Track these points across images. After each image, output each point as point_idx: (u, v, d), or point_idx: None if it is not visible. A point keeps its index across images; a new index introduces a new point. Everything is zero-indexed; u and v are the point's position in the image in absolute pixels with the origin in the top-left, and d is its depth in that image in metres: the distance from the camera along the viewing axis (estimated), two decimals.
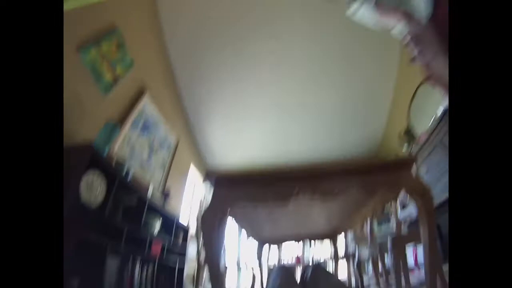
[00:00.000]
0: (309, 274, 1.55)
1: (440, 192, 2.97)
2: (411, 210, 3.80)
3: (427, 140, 3.37)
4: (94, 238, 2.36)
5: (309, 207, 1.96)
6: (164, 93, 4.73)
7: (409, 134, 4.59)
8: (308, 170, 1.35)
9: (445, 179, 2.91)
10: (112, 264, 2.63)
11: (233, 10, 4.32)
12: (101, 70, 2.97)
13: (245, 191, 1.33)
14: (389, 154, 5.74)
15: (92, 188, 2.38)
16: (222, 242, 1.34)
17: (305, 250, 5.32)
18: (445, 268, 2.55)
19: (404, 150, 4.62)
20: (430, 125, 3.41)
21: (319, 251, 5.32)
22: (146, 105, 3.99)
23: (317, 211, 2.18)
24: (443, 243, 3.16)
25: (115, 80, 3.22)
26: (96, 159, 2.44)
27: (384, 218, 4.31)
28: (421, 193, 1.32)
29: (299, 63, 5.02)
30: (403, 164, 1.39)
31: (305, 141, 6.62)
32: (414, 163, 1.46)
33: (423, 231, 1.32)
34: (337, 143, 6.63)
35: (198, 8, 4.27)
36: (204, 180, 1.44)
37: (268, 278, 1.83)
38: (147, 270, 3.12)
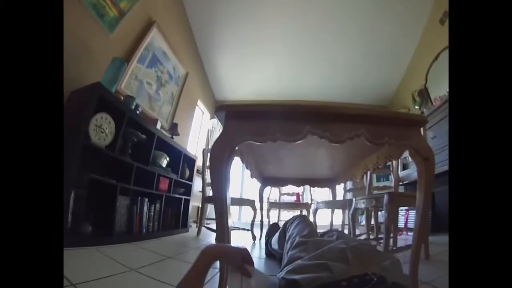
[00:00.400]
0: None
1: (441, 161, 3.02)
2: (410, 171, 3.88)
3: (440, 106, 3.33)
4: (105, 179, 2.48)
5: (315, 150, 1.99)
6: (173, 25, 4.59)
7: (422, 95, 4.53)
8: (321, 110, 1.32)
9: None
10: (122, 203, 2.79)
11: None
12: (104, 7, 2.90)
13: (255, 127, 1.30)
14: (399, 110, 5.69)
15: (102, 128, 2.46)
16: (229, 176, 1.37)
17: (305, 192, 5.48)
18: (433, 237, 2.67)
19: (415, 107, 4.59)
20: (447, 93, 3.34)
21: (318, 195, 5.50)
22: (154, 38, 3.92)
23: (321, 155, 2.23)
24: (434, 211, 3.28)
25: (121, 15, 3.14)
26: (105, 97, 2.48)
27: (384, 173, 4.41)
28: (425, 157, 1.32)
29: (321, 5, 4.82)
30: (415, 122, 1.37)
31: (318, 81, 6.52)
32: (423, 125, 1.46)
33: (419, 196, 1.35)
34: (351, 88, 6.55)
35: None
36: (215, 112, 1.46)
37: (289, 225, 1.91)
38: (154, 206, 3.30)
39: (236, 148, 1.32)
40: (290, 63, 6.14)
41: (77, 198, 2.27)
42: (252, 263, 0.91)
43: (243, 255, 0.89)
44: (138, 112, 3.14)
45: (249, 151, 2.06)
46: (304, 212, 4.26)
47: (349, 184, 4.49)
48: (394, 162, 2.94)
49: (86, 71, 2.70)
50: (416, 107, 4.57)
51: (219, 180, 1.28)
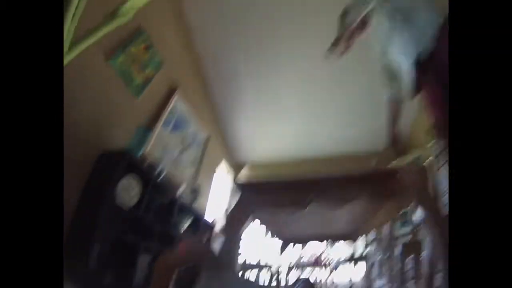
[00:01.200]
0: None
1: None
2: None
3: None
4: (128, 238, 2.54)
5: (329, 210, 2.01)
6: (194, 90, 4.82)
7: (434, 131, 4.46)
8: (322, 179, 1.45)
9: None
10: (143, 260, 2.79)
11: (260, 8, 4.34)
12: (131, 74, 3.09)
13: (266, 198, 1.48)
14: (414, 150, 5.66)
15: (128, 191, 2.53)
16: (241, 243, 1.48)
17: (326, 250, 5.35)
18: None
19: (429, 146, 4.52)
20: None
21: (339, 252, 5.35)
22: (177, 103, 4.09)
23: (337, 214, 2.23)
24: None
25: (146, 81, 3.33)
26: (131, 163, 2.60)
27: (405, 220, 4.28)
28: (428, 207, 1.34)
29: (331, 64, 5.00)
30: (414, 173, 1.41)
31: (333, 134, 6.57)
32: (427, 172, 1.49)
33: (428, 241, 1.35)
34: (364, 138, 6.56)
35: (224, 6, 4.31)
36: (233, 186, 1.58)
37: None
38: None
39: (251, 216, 1.47)
40: (305, 120, 6.27)
41: (100, 253, 2.27)
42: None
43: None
44: (162, 176, 3.19)
45: (265, 216, 2.13)
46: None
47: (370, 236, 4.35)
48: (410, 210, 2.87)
49: (115, 133, 2.81)
50: (431, 142, 4.47)
51: (233, 243, 1.39)
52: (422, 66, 1.57)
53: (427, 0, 1.61)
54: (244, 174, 6.80)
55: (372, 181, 1.43)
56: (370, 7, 1.93)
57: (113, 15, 1.28)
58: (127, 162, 2.54)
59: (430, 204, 1.37)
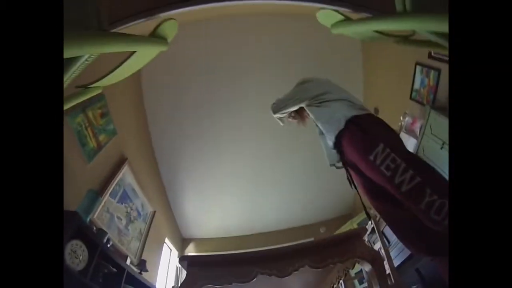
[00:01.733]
0: None
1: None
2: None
3: None
4: None
5: (278, 281, 2.10)
6: (142, 164, 4.86)
7: None
8: (264, 253, 1.60)
9: None
10: None
11: (211, 84, 4.70)
12: (85, 137, 3.13)
13: (212, 273, 1.54)
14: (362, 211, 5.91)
15: (76, 254, 2.45)
16: None
17: None
18: None
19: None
20: None
21: None
22: (125, 175, 4.10)
23: (286, 284, 2.31)
24: (425, 286, 3.24)
25: (99, 147, 3.37)
26: (80, 226, 2.54)
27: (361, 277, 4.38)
28: (370, 260, 1.51)
29: (271, 134, 5.34)
30: (355, 236, 1.61)
31: (279, 207, 6.72)
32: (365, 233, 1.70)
33: None
34: (311, 207, 6.78)
35: (177, 87, 4.63)
36: (179, 261, 1.61)
37: None
38: None
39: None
40: (249, 194, 6.44)
41: None
42: None
43: None
44: (109, 245, 3.12)
45: None
46: None
47: None
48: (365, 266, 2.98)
49: (65, 193, 2.76)
50: None
51: None
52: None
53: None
54: (190, 249, 6.64)
55: (311, 251, 1.61)
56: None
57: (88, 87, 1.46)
58: (76, 224, 2.47)
59: (373, 260, 1.52)
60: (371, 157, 1.57)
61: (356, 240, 1.59)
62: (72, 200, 2.82)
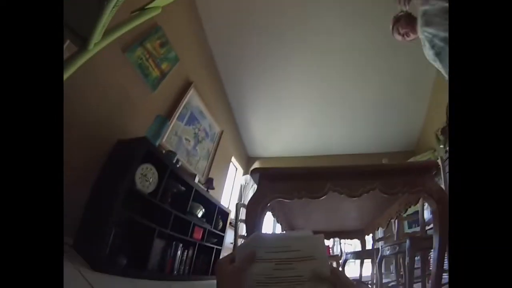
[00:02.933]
0: None
1: None
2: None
3: None
4: (145, 222, 2.64)
5: (339, 204, 2.11)
6: (208, 86, 4.96)
7: (445, 133, 4.53)
8: (338, 171, 1.54)
9: None
10: (158, 245, 2.96)
11: (273, 4, 4.45)
12: (148, 68, 3.23)
13: (283, 187, 1.51)
14: (426, 151, 5.69)
15: (146, 177, 2.67)
16: (262, 230, 1.54)
17: (336, 244, 5.41)
18: None
19: (440, 147, 4.57)
20: None
21: (349, 246, 5.44)
22: (192, 98, 4.24)
23: (347, 208, 2.32)
24: None
25: (162, 76, 3.48)
26: (150, 150, 2.72)
27: (414, 219, 4.33)
28: (436, 199, 1.42)
29: (341, 57, 5.07)
30: (425, 169, 1.50)
31: (344, 134, 6.64)
32: (437, 168, 1.58)
33: (434, 237, 1.42)
34: (376, 139, 6.62)
35: (236, 3, 4.44)
36: (251, 174, 1.63)
37: None
38: (187, 252, 3.40)
39: (268, 204, 1.54)
40: (316, 117, 6.35)
41: (116, 234, 2.42)
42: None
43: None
44: (178, 165, 3.35)
45: (280, 207, 2.20)
46: (334, 265, 4.17)
47: (379, 233, 4.40)
48: (420, 206, 2.92)
49: (130, 123, 2.97)
50: (441, 146, 4.52)
51: (253, 232, 1.45)
52: None
53: None
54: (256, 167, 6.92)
55: (384, 172, 1.53)
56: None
57: (142, 10, 1.41)
58: (146, 149, 2.65)
59: (439, 199, 1.45)
60: None
61: (427, 174, 1.51)
62: (141, 128, 3.02)
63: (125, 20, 1.30)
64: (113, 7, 1.05)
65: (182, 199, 3.34)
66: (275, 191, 1.52)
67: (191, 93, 4.19)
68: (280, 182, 1.54)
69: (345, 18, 4.46)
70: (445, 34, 1.93)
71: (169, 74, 3.61)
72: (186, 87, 4.09)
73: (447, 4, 1.90)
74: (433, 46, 2.03)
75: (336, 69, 5.23)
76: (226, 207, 4.64)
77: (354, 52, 4.93)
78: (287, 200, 1.53)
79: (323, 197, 1.47)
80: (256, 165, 7.06)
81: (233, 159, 6.18)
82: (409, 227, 4.87)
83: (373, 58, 4.95)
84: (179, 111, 3.88)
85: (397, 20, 2.39)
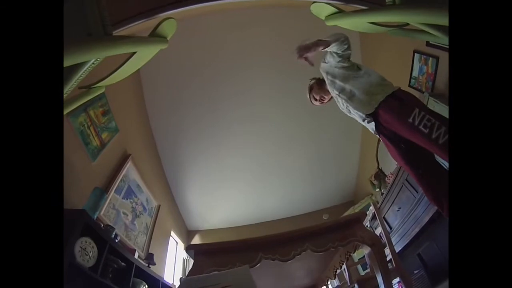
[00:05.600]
0: None
1: (413, 225, 3.22)
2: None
3: (394, 180, 3.67)
4: None
5: (284, 266, 2.16)
6: (146, 159, 4.92)
7: (379, 177, 4.86)
8: (268, 239, 1.66)
9: (416, 212, 3.23)
10: None
11: (211, 79, 4.72)
12: (89, 136, 3.19)
13: (219, 260, 1.61)
14: (364, 198, 6.00)
15: (86, 251, 2.51)
16: None
17: None
18: None
19: (376, 190, 4.87)
20: (396, 165, 3.71)
21: None
22: (129, 171, 4.16)
23: (293, 268, 2.39)
24: (427, 270, 3.33)
25: (102, 146, 3.42)
26: (88, 223, 2.59)
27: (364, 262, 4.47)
28: (370, 244, 1.58)
29: (273, 125, 5.39)
30: (355, 221, 1.68)
31: (283, 198, 6.83)
32: (364, 217, 1.78)
33: (377, 276, 1.56)
34: (315, 196, 6.87)
35: (177, 78, 4.65)
36: (186, 250, 1.65)
37: None
38: None
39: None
40: (254, 186, 6.55)
41: None
42: None
43: None
44: (117, 240, 3.20)
45: None
46: None
47: (335, 282, 4.40)
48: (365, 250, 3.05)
49: (69, 193, 2.82)
50: (377, 190, 4.81)
51: None
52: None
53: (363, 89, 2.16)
54: (196, 241, 6.74)
55: (314, 233, 1.66)
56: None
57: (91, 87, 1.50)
58: (84, 222, 2.53)
59: (372, 244, 1.58)
60: (410, 120, 1.86)
61: (356, 224, 1.66)
62: (79, 198, 2.89)
63: (75, 96, 1.37)
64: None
65: (124, 275, 3.13)
66: (211, 264, 1.60)
67: (129, 166, 4.12)
68: (215, 256, 1.65)
69: (279, 86, 4.84)
70: (343, 84, 2.26)
71: (109, 145, 3.57)
72: (124, 159, 4.03)
73: (339, 58, 2.28)
74: (342, 101, 2.33)
75: (270, 135, 5.55)
76: (170, 282, 4.39)
77: (287, 117, 5.28)
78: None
79: (257, 266, 1.56)
80: (196, 238, 6.87)
81: (172, 233, 5.96)
82: (364, 269, 5.03)
83: (304, 120, 5.32)
84: (117, 184, 3.77)
85: (310, 89, 2.69)
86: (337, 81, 2.30)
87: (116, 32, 1.71)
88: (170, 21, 1.78)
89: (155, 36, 1.76)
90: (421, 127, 1.82)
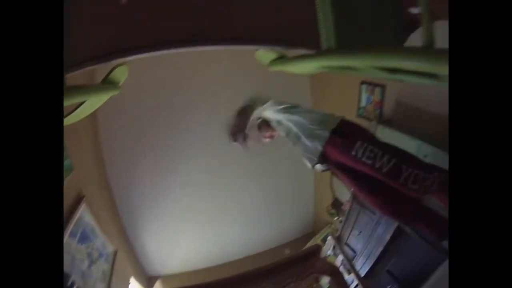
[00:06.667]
0: None
1: (376, 245, 3.27)
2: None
3: (351, 207, 3.74)
4: None
5: None
6: (100, 201, 4.69)
7: (335, 206, 4.97)
8: (223, 282, 1.67)
9: (377, 232, 3.28)
10: None
11: (163, 122, 4.75)
12: None
13: None
14: (324, 227, 6.07)
15: None
16: None
17: None
18: None
19: (335, 219, 4.94)
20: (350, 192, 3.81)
21: None
22: (84, 214, 3.93)
23: None
24: (400, 284, 3.34)
25: None
26: None
27: None
28: (329, 273, 1.63)
29: (229, 165, 5.43)
30: (310, 254, 1.72)
31: (241, 237, 6.76)
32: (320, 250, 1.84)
33: None
34: (274, 232, 6.86)
35: (131, 122, 4.63)
36: None
37: None
38: None
39: None
40: (211, 227, 6.47)
41: None
42: None
43: None
44: None
45: None
46: None
47: None
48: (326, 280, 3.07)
49: None
50: (335, 218, 4.87)
51: None
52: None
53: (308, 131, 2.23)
54: (157, 287, 6.43)
55: (271, 270, 1.70)
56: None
57: None
58: None
59: (332, 273, 1.62)
60: (353, 153, 1.95)
61: (313, 257, 1.70)
62: None
63: None
64: None
65: None
66: None
67: (83, 208, 3.90)
68: None
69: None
70: (289, 124, 2.35)
71: (63, 185, 3.36)
72: (78, 200, 3.81)
73: (276, 106, 2.43)
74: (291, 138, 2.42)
75: (225, 175, 5.55)
76: None
77: (241, 156, 5.31)
78: None
79: None
80: (157, 284, 6.53)
81: (132, 279, 5.63)
82: None
83: (257, 158, 5.37)
84: (71, 227, 3.54)
85: (259, 128, 2.73)
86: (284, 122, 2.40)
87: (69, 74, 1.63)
88: (123, 67, 1.76)
89: (106, 82, 1.73)
90: (364, 158, 1.94)
